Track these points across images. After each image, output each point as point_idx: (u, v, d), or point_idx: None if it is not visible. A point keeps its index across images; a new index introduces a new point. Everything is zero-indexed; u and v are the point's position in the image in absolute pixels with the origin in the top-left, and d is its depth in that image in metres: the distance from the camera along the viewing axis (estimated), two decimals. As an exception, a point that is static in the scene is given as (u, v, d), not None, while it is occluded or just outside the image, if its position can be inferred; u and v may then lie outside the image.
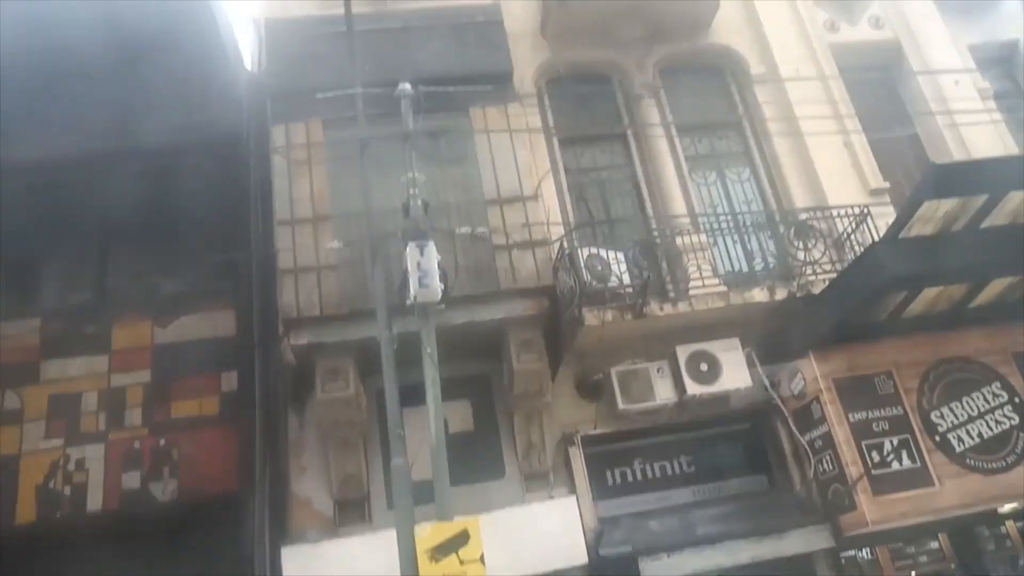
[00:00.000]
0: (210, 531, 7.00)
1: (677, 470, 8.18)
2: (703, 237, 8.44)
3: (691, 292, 7.91)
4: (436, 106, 7.62)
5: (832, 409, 7.36)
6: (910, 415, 7.39)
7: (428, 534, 5.63)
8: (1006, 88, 10.55)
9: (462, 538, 5.64)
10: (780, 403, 7.91)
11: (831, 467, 7.42)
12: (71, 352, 7.84)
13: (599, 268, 7.72)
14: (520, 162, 8.39)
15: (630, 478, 8.11)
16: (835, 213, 8.54)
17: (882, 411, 7.41)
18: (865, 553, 7.88)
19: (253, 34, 8.96)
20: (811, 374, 7.52)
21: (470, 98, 8.23)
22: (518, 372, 7.51)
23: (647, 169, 9.40)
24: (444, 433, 6.13)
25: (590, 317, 7.48)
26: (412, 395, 6.42)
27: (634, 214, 9.16)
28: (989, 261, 7.13)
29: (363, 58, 7.65)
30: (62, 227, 8.03)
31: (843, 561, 7.69)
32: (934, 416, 7.44)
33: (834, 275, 7.88)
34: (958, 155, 9.43)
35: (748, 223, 8.99)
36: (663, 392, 7.75)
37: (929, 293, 7.48)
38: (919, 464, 7.19)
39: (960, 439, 7.37)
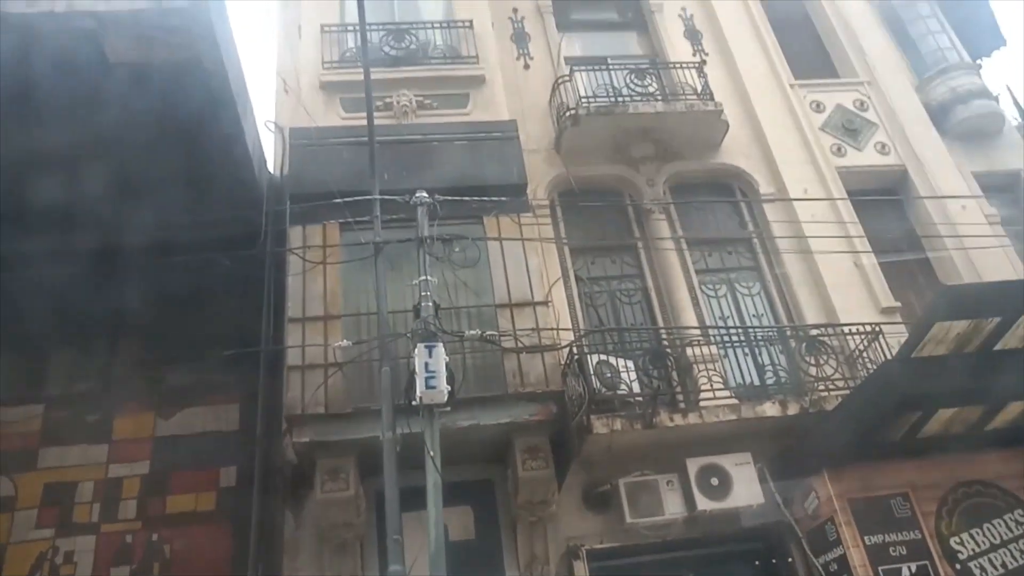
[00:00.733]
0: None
1: (687, 589, 7.82)
2: (714, 348, 8.42)
3: (702, 403, 7.81)
4: (451, 213, 7.81)
5: (847, 531, 7.07)
6: (928, 541, 7.08)
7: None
8: (1012, 215, 10.72)
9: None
10: (793, 522, 7.63)
11: (848, 593, 7.06)
12: (71, 440, 7.77)
13: (608, 375, 7.67)
14: (531, 269, 8.51)
15: (637, 597, 7.74)
16: (846, 330, 8.53)
17: (899, 535, 7.10)
18: None
19: (278, 139, 9.34)
20: (825, 493, 7.28)
21: (485, 207, 8.45)
22: (523, 479, 7.33)
23: (657, 280, 9.51)
24: (444, 540, 5.92)
25: (599, 425, 7.37)
26: (413, 499, 6.24)
27: (644, 323, 9.18)
28: (1004, 384, 6.99)
29: (382, 166, 7.91)
30: (73, 314, 8.11)
31: None
32: (954, 543, 7.12)
33: (847, 392, 7.78)
34: (968, 278, 9.49)
35: (759, 336, 8.97)
36: (673, 506, 7.51)
37: (944, 414, 7.33)
38: (940, 593, 6.84)
39: (983, 569, 7.02)
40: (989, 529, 7.23)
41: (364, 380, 7.39)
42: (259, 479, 7.44)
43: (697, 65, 10.75)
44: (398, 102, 9.66)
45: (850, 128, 11.00)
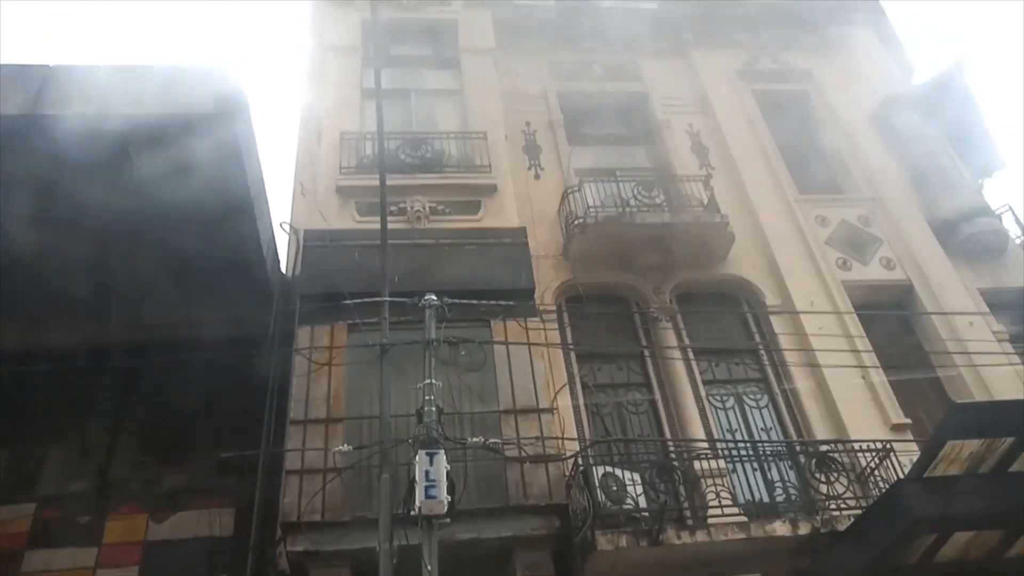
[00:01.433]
0: None
1: None
2: (722, 462, 8.23)
3: (710, 520, 7.56)
4: (459, 316, 7.85)
5: (865, 663, 6.71)
6: (951, 675, 6.70)
7: None
8: (1020, 332, 10.68)
9: None
10: (808, 653, 7.25)
11: None
12: (60, 543, 7.53)
13: (614, 488, 7.48)
14: (537, 374, 8.47)
15: None
16: (857, 447, 8.36)
17: (919, 667, 6.73)
18: None
19: (292, 240, 9.52)
20: (840, 620, 6.96)
21: (492, 311, 8.50)
22: (523, 598, 7.04)
23: (664, 389, 9.44)
24: (439, 662, 5.65)
25: (603, 541, 7.11)
26: (409, 615, 5.99)
27: (651, 434, 9.04)
28: (1021, 508, 6.80)
29: (393, 268, 8.02)
30: (73, 412, 8.06)
31: None
32: None
33: (859, 511, 7.54)
34: (979, 396, 9.36)
35: (767, 451, 8.79)
36: (679, 631, 7.17)
37: (961, 538, 7.08)
38: None
39: None
40: (1015, 665, 6.84)
41: (363, 487, 7.25)
42: (251, 590, 7.16)
43: (703, 178, 11.04)
44: (412, 207, 9.90)
45: (855, 243, 11.15)
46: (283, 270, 9.36)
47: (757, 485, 8.50)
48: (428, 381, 6.90)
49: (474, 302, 7.91)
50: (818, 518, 7.63)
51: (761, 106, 12.99)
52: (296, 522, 6.97)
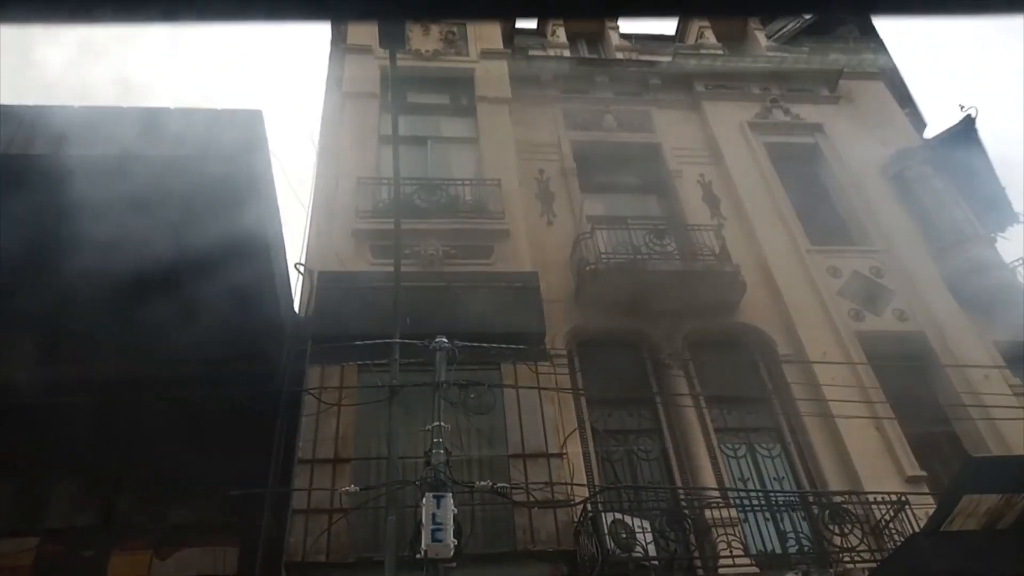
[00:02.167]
0: None
1: None
2: (733, 512, 8.10)
3: (721, 571, 7.43)
4: (469, 359, 7.86)
5: None
6: None
7: None
8: (1037, 386, 10.54)
9: None
10: None
11: None
12: (61, 578, 7.46)
13: (623, 536, 7.37)
14: (547, 419, 8.43)
15: None
16: (871, 499, 8.22)
17: None
18: None
19: (307, 281, 9.62)
20: None
21: (502, 354, 8.50)
22: (530, 647, 6.90)
23: (675, 435, 9.35)
24: None
25: (611, 590, 7.00)
26: (412, 662, 5.88)
27: (662, 481, 8.93)
28: (1044, 566, 6.64)
29: (405, 311, 8.07)
30: (80, 446, 8.06)
31: None
32: None
33: (873, 564, 7.39)
34: (996, 449, 9.22)
35: (780, 501, 8.65)
36: None
37: (980, 596, 6.90)
38: None
39: None
40: None
41: (369, 528, 7.18)
42: (253, 632, 7.06)
43: (715, 228, 11.11)
44: (425, 251, 10.00)
45: (867, 294, 11.12)
46: (296, 310, 9.42)
47: (769, 535, 8.36)
48: (437, 423, 6.89)
49: (485, 345, 7.92)
50: (831, 571, 7.47)
51: (772, 157, 13.13)
52: (301, 562, 6.90)
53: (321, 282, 9.40)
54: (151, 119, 7.96)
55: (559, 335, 9.84)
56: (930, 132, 14.59)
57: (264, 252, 8.31)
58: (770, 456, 9.42)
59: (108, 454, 8.30)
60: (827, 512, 8.09)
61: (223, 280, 7.97)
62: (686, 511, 8.06)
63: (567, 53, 15.44)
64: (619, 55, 15.70)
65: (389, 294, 8.07)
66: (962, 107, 13.12)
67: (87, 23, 1.04)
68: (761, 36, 16.53)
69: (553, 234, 11.48)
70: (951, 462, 9.18)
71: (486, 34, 13.82)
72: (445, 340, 7.60)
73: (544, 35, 16.13)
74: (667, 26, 18.04)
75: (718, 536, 7.70)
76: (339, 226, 10.31)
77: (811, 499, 8.67)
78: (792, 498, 8.80)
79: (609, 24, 16.27)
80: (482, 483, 7.09)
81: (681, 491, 8.60)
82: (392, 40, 7.89)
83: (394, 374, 7.48)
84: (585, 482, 8.32)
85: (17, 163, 7.10)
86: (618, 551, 7.22)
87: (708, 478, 8.72)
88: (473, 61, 13.36)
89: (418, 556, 6.06)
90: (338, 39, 13.76)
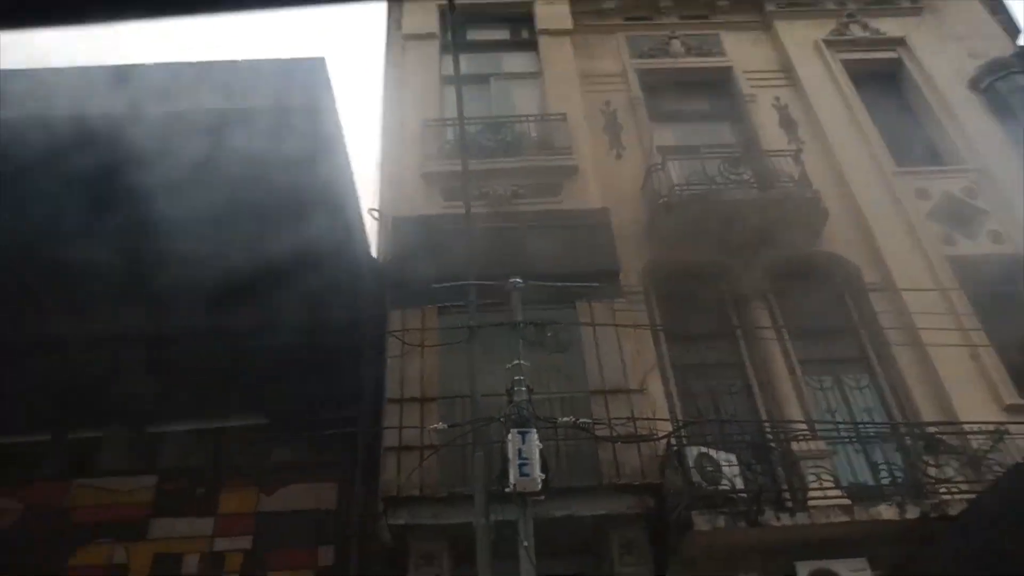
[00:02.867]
0: None
1: None
2: (822, 444, 7.96)
3: (810, 503, 7.33)
4: (545, 298, 7.85)
5: (984, 653, 6.38)
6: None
7: None
8: None
9: None
10: (919, 640, 6.95)
11: None
12: (180, 512, 7.99)
13: (709, 469, 7.33)
14: (626, 355, 8.39)
15: None
16: (967, 429, 7.94)
17: (1046, 660, 6.33)
18: None
19: (382, 227, 9.69)
20: (954, 609, 6.64)
21: (578, 292, 8.44)
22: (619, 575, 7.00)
23: (758, 369, 9.18)
24: (538, 636, 5.67)
25: (700, 522, 7.01)
26: (507, 589, 6.03)
27: (744, 415, 8.82)
28: None
29: (479, 252, 8.07)
30: (186, 394, 8.47)
31: None
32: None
33: (972, 496, 7.17)
34: (1101, 374, 8.77)
35: (871, 433, 8.45)
36: (781, 612, 6.99)
37: (1087, 523, 6.64)
38: None
39: None
40: None
41: (458, 464, 7.34)
42: (355, 561, 7.38)
43: (793, 153, 10.66)
44: (494, 191, 9.92)
45: (959, 216, 10.55)
46: (374, 256, 9.53)
47: (860, 468, 8.22)
48: (517, 362, 6.93)
49: (559, 284, 7.86)
50: (927, 502, 7.30)
51: (852, 76, 12.44)
52: (396, 497, 7.13)
53: (396, 227, 9.46)
54: (223, 73, 8.02)
55: (634, 271, 9.69)
56: (1026, 39, 13.57)
57: (339, 200, 8.38)
58: (858, 387, 9.18)
59: (213, 401, 8.73)
60: (921, 443, 7.88)
61: (302, 230, 8.08)
62: (772, 444, 7.95)
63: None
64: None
65: (462, 236, 8.06)
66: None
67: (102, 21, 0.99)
68: (836, -53, 15.52)
69: (622, 167, 11.22)
70: (1054, 391, 8.77)
71: (544, -36, 13.36)
72: (519, 280, 7.57)
73: (604, -38, 15.51)
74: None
75: (807, 468, 7.57)
76: (408, 170, 10.30)
77: (903, 430, 8.43)
78: (883, 429, 8.58)
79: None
80: (564, 419, 7.12)
81: (767, 424, 8.47)
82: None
83: (472, 315, 7.51)
84: (667, 417, 8.28)
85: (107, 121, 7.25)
86: (704, 484, 7.20)
87: (793, 411, 8.56)
88: (532, -8, 12.97)
89: (507, 490, 6.16)
90: (395, -20, 13.52)
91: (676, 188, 10.06)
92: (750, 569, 7.24)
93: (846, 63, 12.69)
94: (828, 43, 12.95)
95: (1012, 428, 7.80)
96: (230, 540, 7.83)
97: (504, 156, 10.44)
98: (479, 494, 6.34)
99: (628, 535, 7.15)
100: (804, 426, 8.22)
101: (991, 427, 7.82)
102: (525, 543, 5.96)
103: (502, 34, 12.92)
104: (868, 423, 8.67)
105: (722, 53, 13.01)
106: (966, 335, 9.02)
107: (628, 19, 13.47)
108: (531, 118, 11.08)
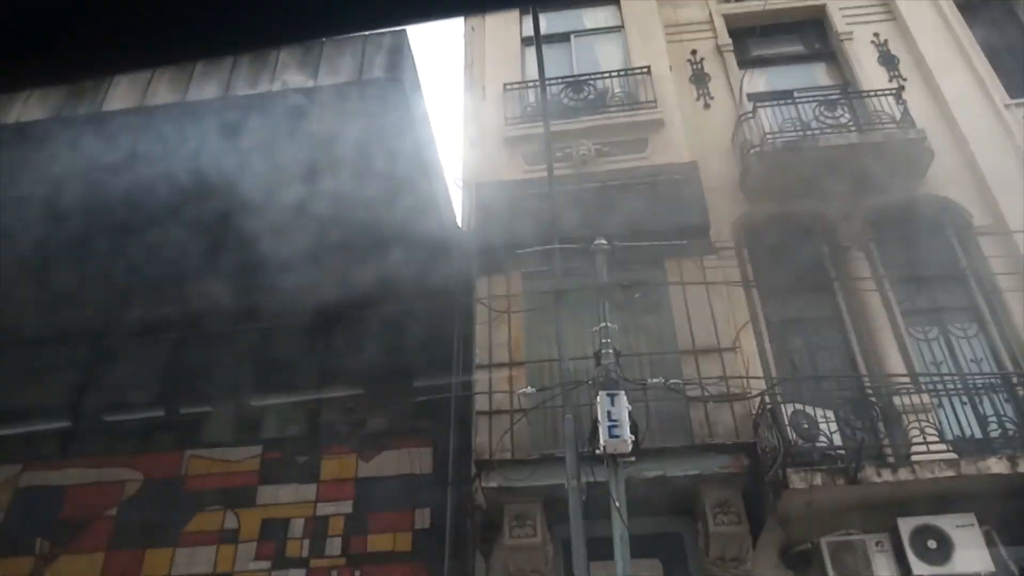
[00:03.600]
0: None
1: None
2: (926, 397, 7.65)
3: (914, 458, 7.10)
4: (631, 258, 7.82)
5: (1105, 612, 6.09)
6: None
7: None
8: None
9: None
10: (1034, 598, 6.68)
11: None
12: (284, 479, 8.54)
13: (805, 426, 7.21)
14: (717, 313, 8.27)
15: (846, 668, 7.07)
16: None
17: None
18: None
19: (465, 196, 9.84)
20: (1071, 565, 6.34)
21: (666, 250, 8.34)
22: (714, 535, 7.03)
23: (857, 322, 8.85)
24: (633, 594, 5.82)
25: (796, 480, 6.91)
26: (600, 549, 6.19)
27: (843, 370, 8.55)
28: None
29: (562, 215, 8.09)
30: (285, 368, 9.01)
31: None
32: None
33: (1094, 448, 6.77)
34: None
35: (979, 384, 8.04)
36: (883, 569, 6.84)
37: None
38: None
39: None
40: None
41: (548, 427, 7.50)
42: (451, 522, 7.72)
43: (895, 92, 10.05)
44: (577, 152, 9.86)
45: (1083, 148, 9.73)
46: (459, 224, 9.71)
47: (968, 421, 7.86)
48: (603, 324, 6.97)
49: (645, 244, 7.80)
50: (1042, 454, 6.94)
51: (958, 2, 11.54)
52: (489, 460, 7.37)
53: (479, 194, 9.57)
54: (304, 53, 8.25)
55: (725, 226, 9.46)
56: None
57: (423, 170, 8.55)
58: (966, 337, 8.71)
59: (311, 374, 9.27)
60: (1036, 393, 7.46)
61: (391, 203, 8.32)
62: (873, 399, 7.71)
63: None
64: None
65: (545, 200, 8.10)
66: None
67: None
68: None
69: (711, 118, 10.90)
70: None
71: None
72: (604, 242, 7.57)
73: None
74: None
75: (909, 423, 7.32)
76: (490, 136, 10.36)
77: (1015, 380, 7.98)
78: (993, 380, 8.15)
79: None
80: (654, 380, 7.14)
81: (866, 378, 8.20)
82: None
83: (557, 279, 7.59)
84: (761, 375, 8.15)
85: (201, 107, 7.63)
86: (800, 441, 7.09)
87: (896, 364, 8.23)
88: (611, -57, 12.61)
89: (597, 452, 6.27)
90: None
91: (768, 137, 9.69)
92: (849, 526, 7.11)
93: (952, -12, 11.78)
94: (932, -31, 12.03)
95: None
96: (333, 505, 8.29)
97: (587, 115, 10.33)
98: (570, 456, 6.48)
99: (722, 495, 7.14)
100: (906, 379, 7.91)
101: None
102: (617, 504, 6.07)
103: (582, -12, 12.66)
104: (976, 374, 8.24)
105: (814, -11, 12.30)
106: (1089, 278, 8.39)
107: (712, -38, 12.91)
108: (614, 74, 10.88)
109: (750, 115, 10.02)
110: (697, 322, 8.25)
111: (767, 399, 7.48)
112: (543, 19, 10.70)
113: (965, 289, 9.08)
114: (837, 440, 7.11)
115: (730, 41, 11.79)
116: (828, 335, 8.96)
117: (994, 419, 7.68)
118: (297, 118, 7.87)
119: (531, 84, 10.68)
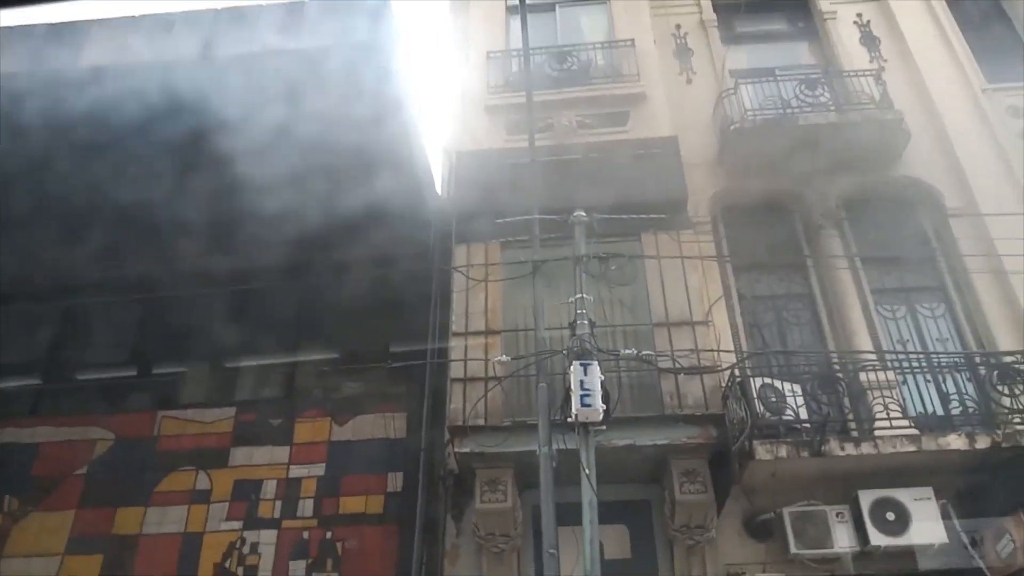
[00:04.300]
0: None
1: (857, 632, 7.29)
2: (891, 374, 7.83)
3: (876, 433, 7.29)
4: (609, 231, 7.86)
5: (1050, 582, 6.34)
6: None
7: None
8: None
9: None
10: (984, 567, 6.92)
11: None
12: (257, 441, 8.60)
13: (773, 400, 7.35)
14: (691, 287, 8.37)
15: (802, 634, 7.32)
16: (1047, 357, 7.65)
17: (1114, 590, 6.27)
18: None
19: (445, 163, 9.81)
20: (1021, 536, 6.57)
21: (643, 224, 8.39)
22: (680, 503, 7.20)
23: (828, 300, 9.02)
24: (599, 558, 5.94)
25: (762, 451, 7.07)
26: (568, 514, 6.30)
27: (813, 346, 8.72)
28: None
29: (542, 186, 8.09)
30: (260, 330, 9.01)
31: None
32: None
33: (1047, 426, 6.98)
34: None
35: (943, 363, 8.25)
36: (842, 539, 7.06)
37: None
38: None
39: None
40: None
41: (522, 395, 7.59)
42: (424, 486, 7.81)
43: (874, 72, 10.13)
44: (559, 123, 9.85)
45: (1055, 135, 9.89)
46: (438, 191, 9.69)
47: (930, 398, 8.07)
48: (579, 295, 7.03)
49: (624, 216, 7.84)
50: (999, 432, 7.15)
51: (942, -15, 11.60)
52: (462, 426, 7.44)
53: (460, 162, 9.55)
54: (287, 14, 8.15)
55: (702, 201, 9.54)
56: None
57: (404, 136, 8.50)
58: (932, 316, 8.91)
59: (287, 337, 9.29)
60: (995, 372, 7.64)
61: (370, 169, 8.28)
62: (839, 375, 7.88)
63: None
64: None
65: (526, 170, 8.11)
66: None
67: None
68: None
69: (693, 93, 10.92)
70: None
71: None
72: (583, 214, 7.60)
73: None
74: None
75: (874, 399, 7.50)
76: (472, 104, 10.29)
77: (978, 360, 8.19)
78: (956, 359, 8.36)
79: None
80: (627, 351, 7.23)
81: (834, 354, 8.37)
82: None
83: (535, 249, 7.63)
84: (732, 349, 8.28)
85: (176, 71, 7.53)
86: (768, 414, 7.24)
87: (863, 341, 8.40)
88: (598, -87, 12.47)
89: (568, 420, 6.37)
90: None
91: (748, 113, 9.74)
92: (811, 497, 7.31)
93: (935, -29, 11.82)
94: (916, -50, 12.05)
95: (1098, 358, 7.46)
96: (305, 468, 8.37)
97: (570, 86, 10.29)
98: (542, 423, 6.57)
99: (689, 464, 7.29)
100: (873, 356, 8.08)
101: (1075, 357, 7.51)
102: (587, 471, 6.18)
103: (567, -42, 12.54)
104: (941, 352, 8.45)
105: (800, -34, 12.29)
106: (1054, 263, 8.58)
107: (699, -64, 12.82)
108: (598, 45, 10.84)
109: (731, 91, 10.05)
110: (671, 295, 8.34)
111: (737, 372, 7.62)
112: (529, -12, 10.58)
113: (934, 269, 9.28)
114: (803, 414, 7.26)
115: (715, 16, 11.79)
116: (799, 311, 9.12)
117: (955, 397, 7.87)
118: (277, 81, 7.80)
119: (515, 53, 10.62)
